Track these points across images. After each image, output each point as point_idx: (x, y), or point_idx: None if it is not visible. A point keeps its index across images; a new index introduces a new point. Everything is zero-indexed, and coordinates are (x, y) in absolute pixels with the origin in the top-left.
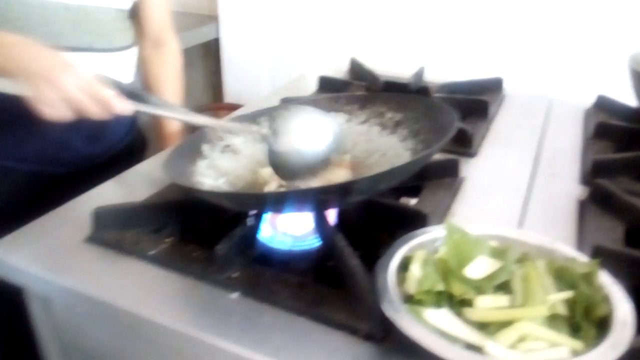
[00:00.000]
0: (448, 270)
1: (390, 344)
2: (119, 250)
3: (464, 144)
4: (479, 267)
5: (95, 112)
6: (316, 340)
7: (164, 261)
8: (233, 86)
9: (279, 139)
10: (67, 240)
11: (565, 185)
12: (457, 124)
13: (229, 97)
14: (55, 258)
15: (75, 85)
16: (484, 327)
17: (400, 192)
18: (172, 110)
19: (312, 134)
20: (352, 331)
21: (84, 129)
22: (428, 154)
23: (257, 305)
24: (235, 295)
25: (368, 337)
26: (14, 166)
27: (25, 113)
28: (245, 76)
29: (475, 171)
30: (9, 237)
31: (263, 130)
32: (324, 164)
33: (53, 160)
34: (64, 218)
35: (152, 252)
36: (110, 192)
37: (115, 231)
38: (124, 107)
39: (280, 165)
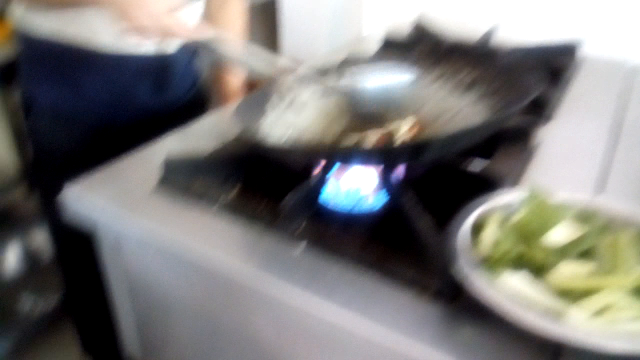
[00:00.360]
0: (528, 234)
1: (460, 305)
2: (187, 199)
3: (539, 109)
4: (562, 233)
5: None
6: (383, 296)
7: (230, 211)
8: (291, 47)
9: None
10: (137, 188)
11: None
12: (540, 85)
13: (287, 55)
14: (125, 204)
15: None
16: (564, 294)
17: (469, 155)
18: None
19: (385, 79)
20: (421, 289)
21: (149, 79)
22: (511, 113)
23: (323, 259)
24: (301, 248)
25: (437, 296)
26: (81, 117)
27: (93, 60)
28: (304, 36)
29: (550, 138)
30: (80, 184)
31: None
32: (395, 109)
33: (118, 110)
34: (133, 166)
35: (219, 202)
36: (176, 144)
37: (184, 181)
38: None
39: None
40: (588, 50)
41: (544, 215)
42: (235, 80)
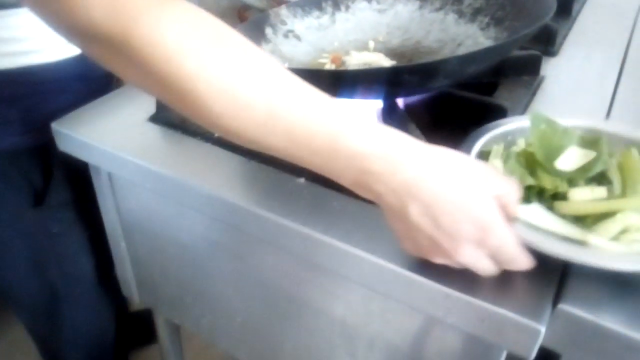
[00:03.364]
0: (536, 163)
1: None
2: (183, 131)
3: (546, 41)
4: (570, 159)
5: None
6: (384, 229)
7: (228, 143)
8: None
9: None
10: (132, 119)
11: None
12: (550, 11)
13: None
14: (120, 135)
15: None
16: (579, 221)
17: (473, 88)
18: None
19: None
20: None
21: None
22: (522, 36)
23: (325, 190)
24: (302, 180)
25: None
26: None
27: None
28: None
29: (556, 70)
30: (75, 113)
31: None
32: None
33: None
34: (128, 97)
35: (217, 134)
36: None
37: (177, 115)
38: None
39: None
40: None
41: (549, 142)
42: None
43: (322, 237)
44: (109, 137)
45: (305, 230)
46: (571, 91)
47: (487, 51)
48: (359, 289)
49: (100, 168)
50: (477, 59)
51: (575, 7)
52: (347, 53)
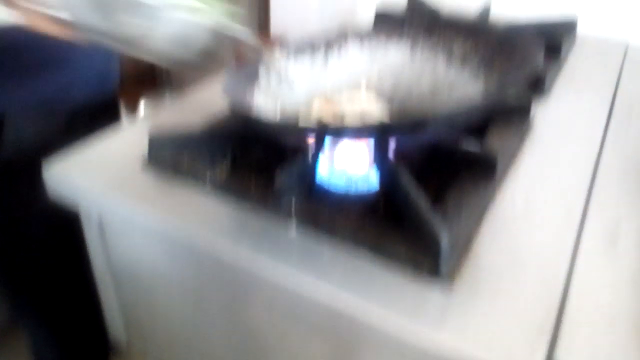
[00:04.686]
0: None
1: (456, 284)
2: (175, 175)
3: (535, 85)
4: None
5: None
6: (378, 275)
7: (220, 188)
8: (281, 19)
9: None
10: (123, 162)
11: None
12: (539, 57)
13: (275, 29)
14: (111, 179)
15: None
16: None
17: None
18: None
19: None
20: (417, 268)
21: None
22: (516, 85)
23: (317, 236)
24: (293, 225)
25: (433, 276)
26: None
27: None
28: (294, 8)
29: (546, 112)
30: (65, 157)
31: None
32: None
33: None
34: (119, 140)
35: (209, 178)
36: (164, 117)
37: (172, 156)
38: None
39: None
40: (581, 29)
41: None
42: None
43: (311, 290)
44: (99, 181)
45: (296, 279)
46: (562, 134)
47: (473, 108)
48: (351, 335)
49: (90, 211)
50: (464, 113)
51: (565, 48)
52: (339, 93)
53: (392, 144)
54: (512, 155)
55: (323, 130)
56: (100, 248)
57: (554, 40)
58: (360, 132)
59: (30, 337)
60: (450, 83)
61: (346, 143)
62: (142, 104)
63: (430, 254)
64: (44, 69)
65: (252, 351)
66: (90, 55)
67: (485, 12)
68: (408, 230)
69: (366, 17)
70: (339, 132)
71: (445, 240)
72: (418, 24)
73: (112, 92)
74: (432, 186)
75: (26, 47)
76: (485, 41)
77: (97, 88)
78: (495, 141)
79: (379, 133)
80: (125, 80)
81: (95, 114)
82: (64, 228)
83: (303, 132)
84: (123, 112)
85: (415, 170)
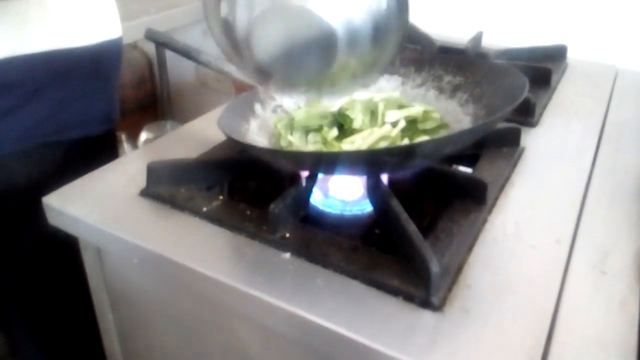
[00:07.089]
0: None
1: (447, 313)
2: (172, 205)
3: (525, 113)
4: None
5: None
6: (370, 305)
7: (216, 218)
8: None
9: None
10: (122, 193)
11: (631, 159)
12: (527, 88)
13: None
14: (109, 210)
15: None
16: None
17: (454, 160)
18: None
19: None
20: (408, 297)
21: None
22: (501, 116)
23: (310, 266)
24: (287, 255)
25: (424, 305)
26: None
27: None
28: None
29: (536, 141)
30: (66, 188)
31: None
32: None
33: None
34: (119, 172)
35: (205, 209)
36: (163, 148)
37: (169, 186)
38: None
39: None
40: (571, 55)
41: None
42: None
43: (305, 317)
44: (98, 212)
45: (290, 308)
46: (551, 162)
47: (461, 135)
48: None
49: (89, 242)
50: (453, 141)
51: (555, 77)
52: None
53: (384, 172)
54: (503, 182)
55: (314, 159)
56: (99, 276)
57: (544, 68)
58: (351, 157)
59: None
60: (441, 114)
61: (338, 172)
62: (142, 134)
63: (421, 285)
64: (41, 106)
65: None
66: (90, 96)
67: (476, 41)
68: (400, 259)
69: None
70: (329, 160)
71: (436, 271)
72: (408, 58)
73: (110, 129)
74: (424, 211)
75: (21, 82)
76: (474, 74)
77: (95, 127)
78: (486, 168)
79: (368, 162)
80: (126, 111)
81: (93, 149)
82: (62, 256)
83: (297, 158)
84: (124, 141)
85: (407, 196)
